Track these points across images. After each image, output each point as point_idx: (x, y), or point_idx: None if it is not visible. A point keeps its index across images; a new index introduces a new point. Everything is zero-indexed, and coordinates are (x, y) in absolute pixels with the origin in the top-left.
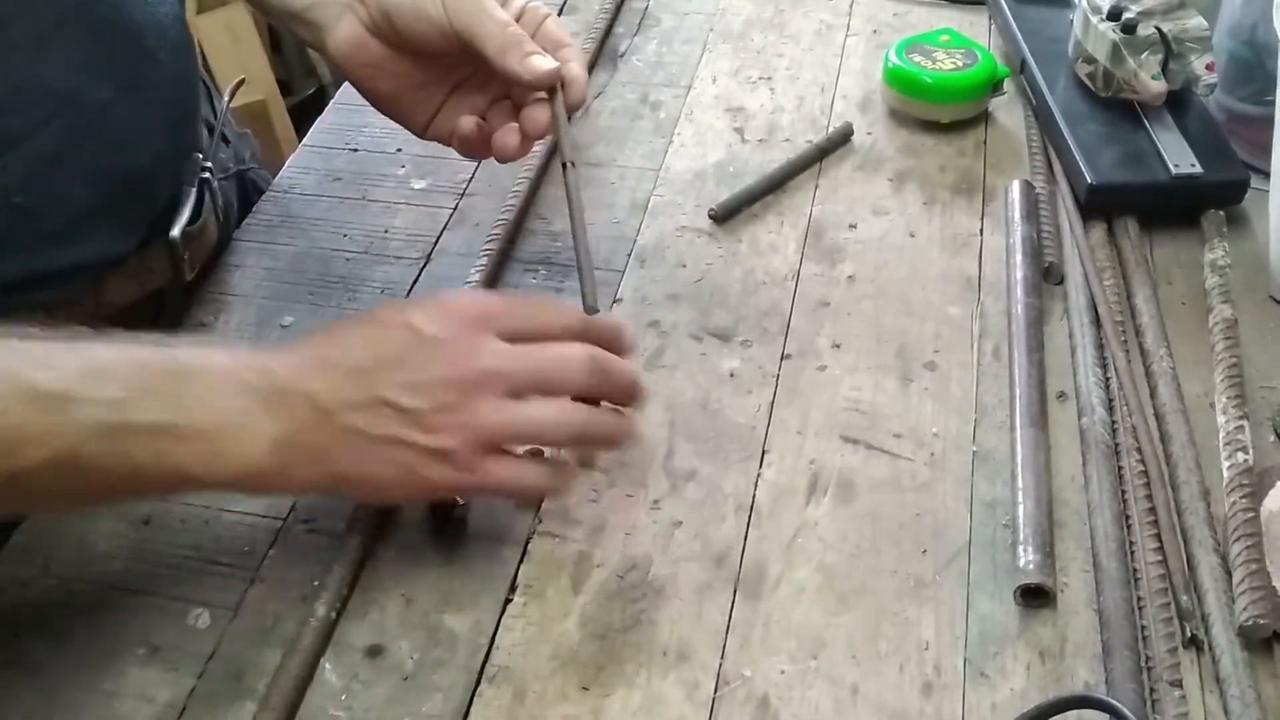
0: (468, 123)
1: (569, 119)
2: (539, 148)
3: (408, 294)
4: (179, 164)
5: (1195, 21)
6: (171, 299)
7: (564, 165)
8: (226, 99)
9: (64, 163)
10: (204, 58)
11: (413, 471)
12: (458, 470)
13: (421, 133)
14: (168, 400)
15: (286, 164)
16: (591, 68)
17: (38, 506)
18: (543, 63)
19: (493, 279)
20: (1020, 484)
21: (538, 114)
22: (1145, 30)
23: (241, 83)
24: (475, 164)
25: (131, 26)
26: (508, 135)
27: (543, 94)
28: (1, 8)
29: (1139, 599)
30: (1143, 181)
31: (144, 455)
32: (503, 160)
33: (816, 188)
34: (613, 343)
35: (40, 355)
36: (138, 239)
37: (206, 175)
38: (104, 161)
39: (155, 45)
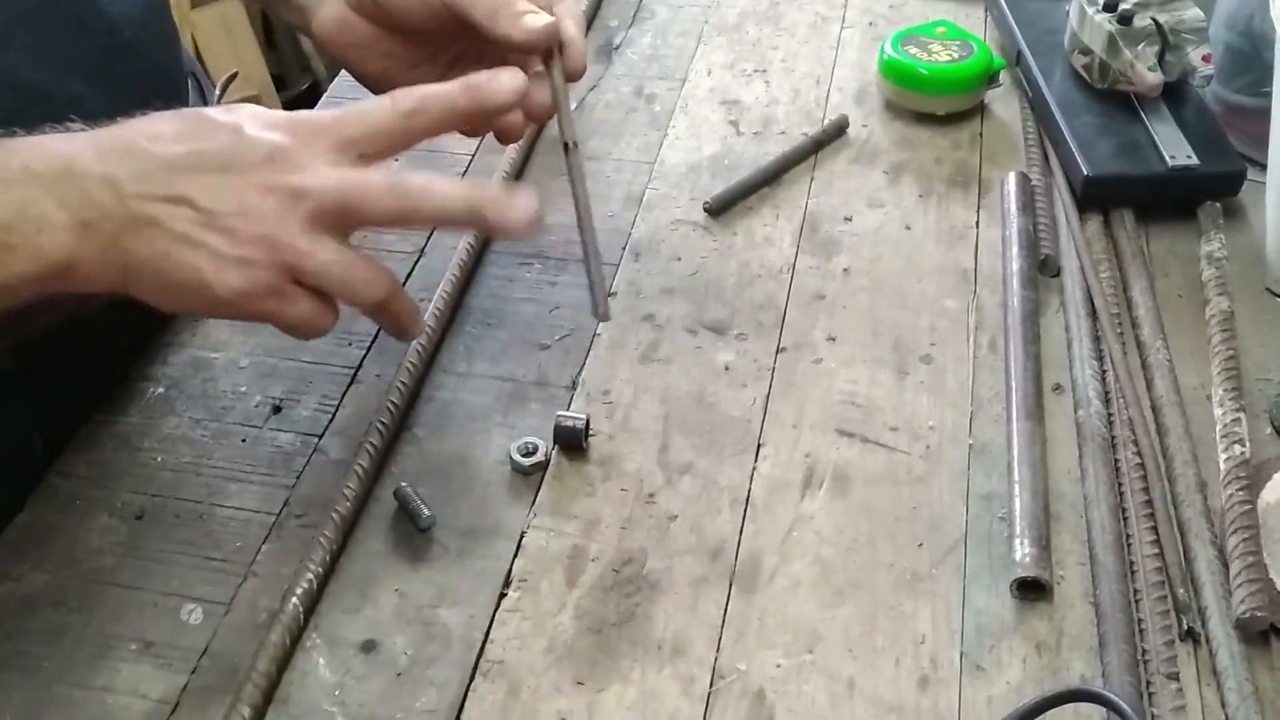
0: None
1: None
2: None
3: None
4: None
5: (1191, 13)
6: None
7: (565, 146)
8: (218, 92)
9: None
10: (197, 51)
11: (204, 280)
12: (250, 286)
13: None
14: None
15: None
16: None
17: None
18: (536, 20)
19: (471, 272)
20: (1016, 477)
21: (537, 92)
22: (1141, 21)
23: (234, 76)
24: (469, 158)
25: (103, 19)
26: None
27: (540, 68)
28: None
29: (1135, 592)
30: (1139, 173)
31: None
32: (504, 141)
33: (812, 180)
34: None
35: None
36: None
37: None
38: None
39: (133, 38)
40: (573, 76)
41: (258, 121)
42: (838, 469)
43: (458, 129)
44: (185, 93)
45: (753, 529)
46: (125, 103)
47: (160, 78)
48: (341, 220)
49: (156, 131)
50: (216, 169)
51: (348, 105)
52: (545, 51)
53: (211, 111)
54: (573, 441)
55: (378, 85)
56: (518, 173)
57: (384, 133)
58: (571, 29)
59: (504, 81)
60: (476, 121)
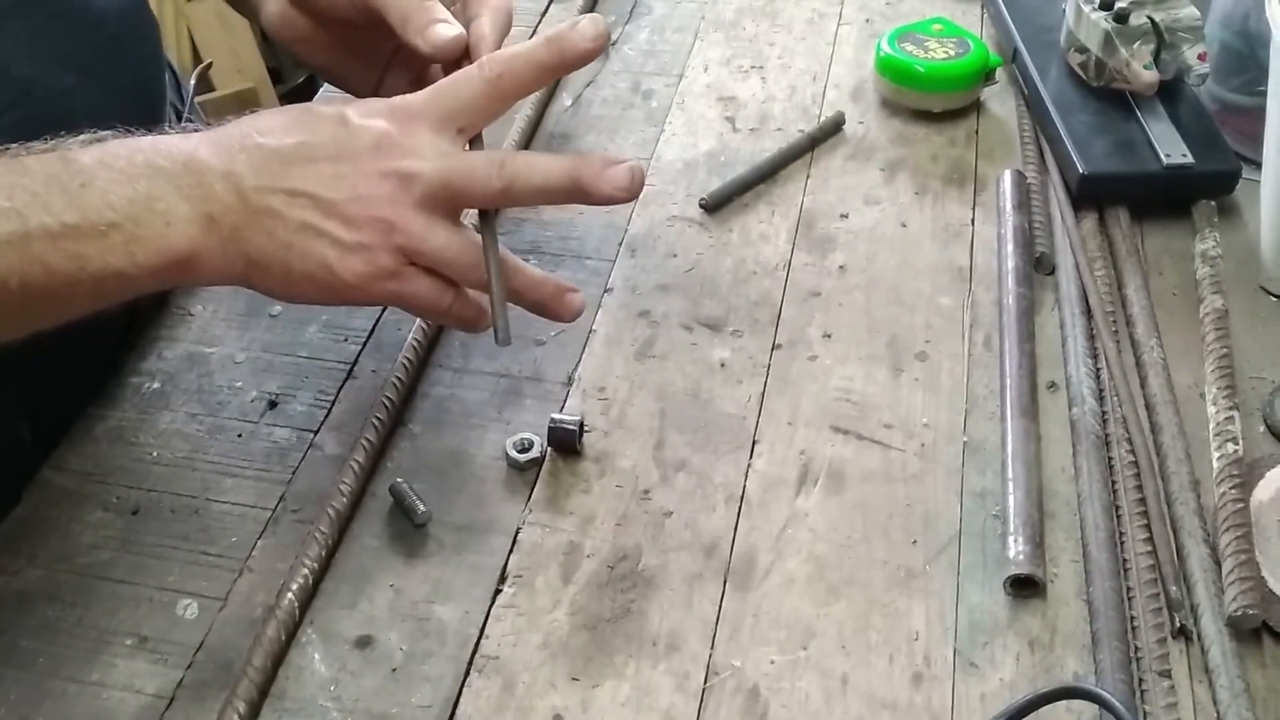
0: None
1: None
2: (520, 134)
3: None
4: None
5: (1187, 11)
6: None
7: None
8: (193, 81)
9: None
10: (193, 45)
11: (327, 267)
12: (373, 270)
13: None
14: (68, 200)
15: None
16: None
17: None
18: (444, 31)
19: None
20: (1010, 474)
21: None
22: (1137, 20)
23: (208, 66)
24: None
25: (92, 12)
26: None
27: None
28: None
29: (1128, 589)
30: (1134, 171)
31: (59, 260)
32: None
33: (808, 177)
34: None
35: None
36: None
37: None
38: None
39: (119, 30)
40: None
41: (360, 110)
42: (832, 466)
43: (546, 84)
44: (164, 85)
45: (747, 526)
46: (113, 95)
47: (144, 70)
48: (451, 201)
49: (267, 126)
50: (328, 159)
51: (440, 82)
52: (453, 61)
53: (316, 104)
54: (567, 443)
55: (327, 75)
56: None
57: (478, 101)
58: (484, 26)
59: (585, 29)
60: (563, 72)
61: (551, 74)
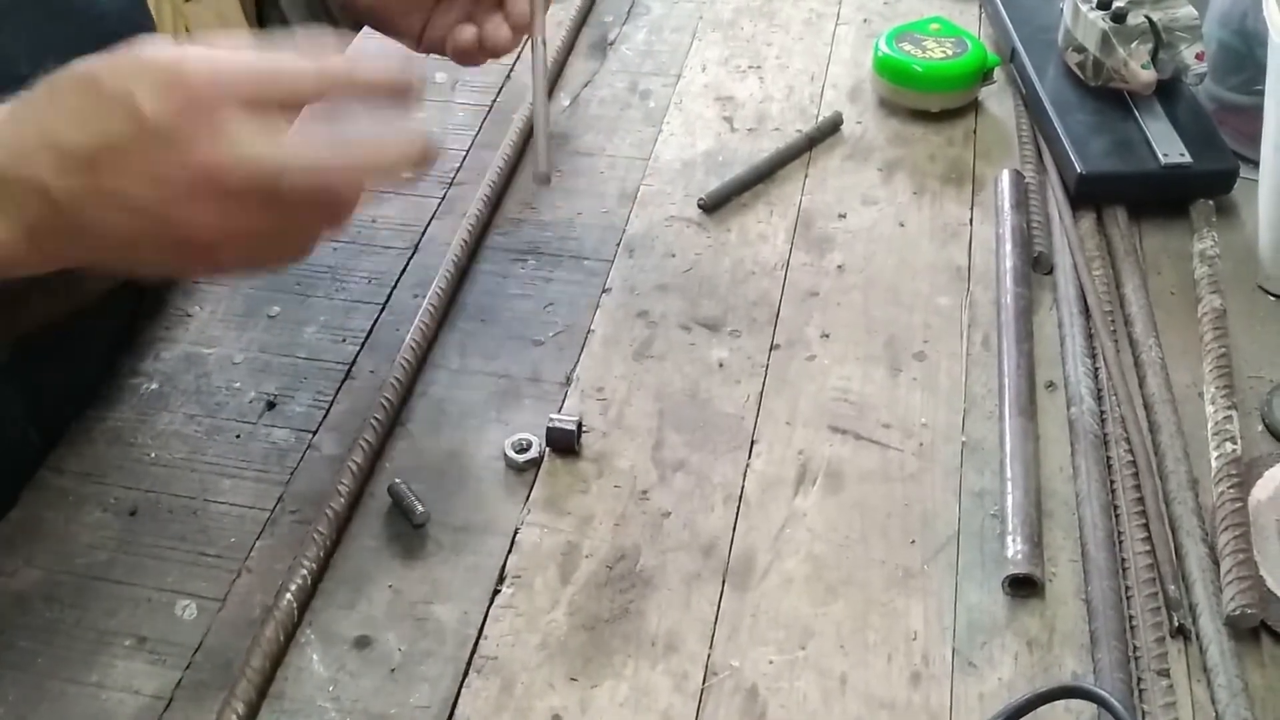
0: (466, 33)
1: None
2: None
3: (395, 284)
4: None
5: (1185, 10)
6: (150, 287)
7: (533, 42)
8: None
9: None
10: None
11: (165, 268)
12: (202, 266)
13: (417, 45)
14: None
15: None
16: (569, 52)
17: None
18: None
19: (465, 268)
20: (1009, 474)
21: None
22: (1135, 19)
23: None
24: (463, 154)
25: (93, 10)
26: (498, 29)
27: None
28: None
29: (1127, 589)
30: (1132, 171)
31: None
32: (495, 55)
33: (806, 177)
34: (381, 90)
35: None
36: None
37: None
38: None
39: (118, 29)
40: None
41: (152, 89)
42: (831, 466)
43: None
44: None
45: (746, 525)
46: None
47: None
48: (263, 190)
49: (55, 121)
50: (134, 160)
51: (263, 58)
52: None
53: (103, 79)
54: (565, 444)
55: (372, 17)
56: (512, 167)
57: (301, 95)
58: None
59: (406, 148)
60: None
61: (367, 99)
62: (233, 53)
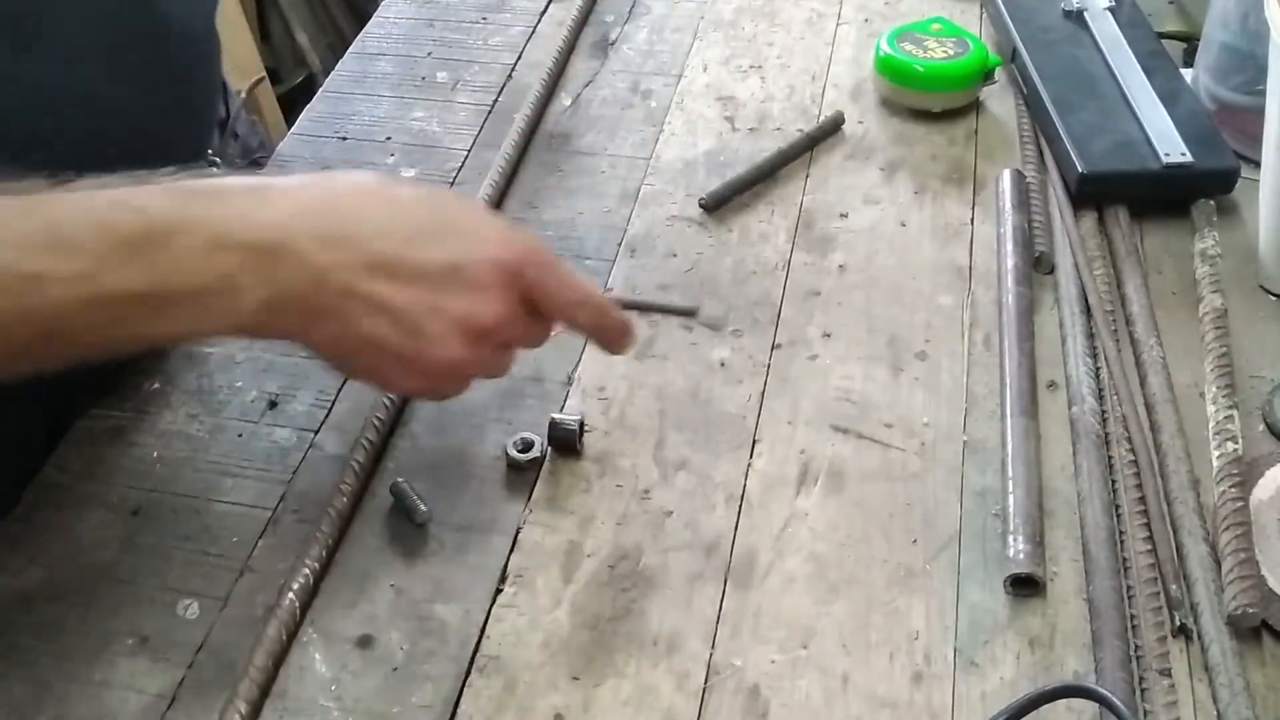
0: None
1: None
2: (519, 133)
3: None
4: (191, 163)
5: None
6: None
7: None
8: (242, 95)
9: (86, 164)
10: None
11: (382, 378)
12: (425, 388)
13: None
14: (144, 267)
15: (275, 152)
16: (570, 52)
17: (47, 363)
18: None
19: None
20: (1010, 473)
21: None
22: None
23: (260, 80)
24: (465, 153)
25: (171, 37)
26: None
27: None
28: (38, 11)
29: (1128, 588)
30: (1134, 170)
31: (132, 321)
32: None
33: (807, 177)
34: (611, 334)
35: (3, 234)
36: None
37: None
38: (122, 164)
39: (194, 54)
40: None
41: (483, 246)
42: (832, 465)
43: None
44: (218, 103)
45: (748, 525)
46: (171, 116)
47: (204, 91)
48: (503, 359)
49: (378, 219)
50: (429, 288)
51: (563, 274)
52: None
53: (436, 212)
54: (567, 444)
55: None
56: (513, 169)
57: (566, 319)
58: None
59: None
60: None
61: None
62: (523, 249)
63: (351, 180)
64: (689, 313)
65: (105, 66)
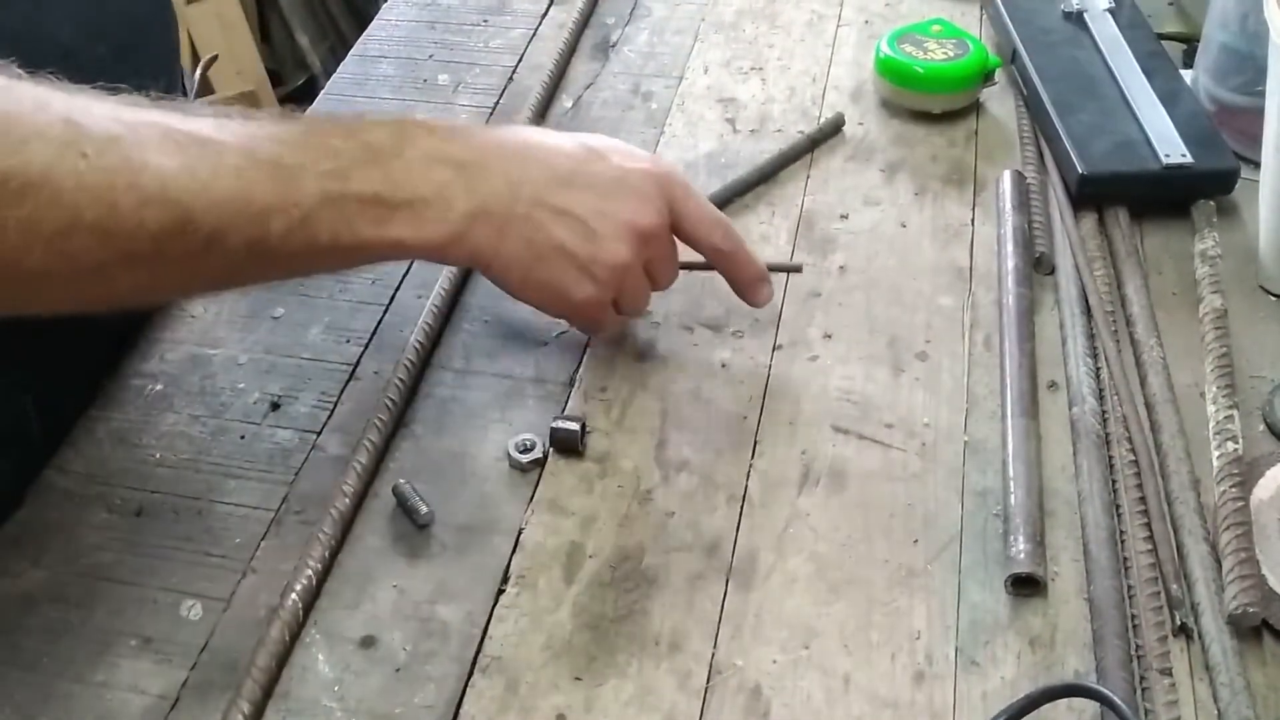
0: None
1: None
2: None
3: (398, 285)
4: None
5: None
6: None
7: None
8: (196, 75)
9: None
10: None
11: (564, 284)
12: (595, 300)
13: None
14: (381, 172)
15: None
16: (571, 54)
17: (271, 275)
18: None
19: (468, 269)
20: (1011, 473)
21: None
22: None
23: (214, 59)
24: None
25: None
26: None
27: None
28: None
29: (1129, 588)
30: (1134, 171)
31: (363, 223)
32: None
33: (808, 178)
34: (744, 269)
35: (265, 131)
36: None
37: None
38: None
39: (149, 15)
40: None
41: (639, 163)
42: (834, 466)
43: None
44: (179, 78)
45: (749, 525)
46: (142, 76)
47: (166, 58)
48: (655, 280)
49: (553, 146)
50: (600, 195)
51: (708, 207)
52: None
53: (595, 143)
54: (569, 445)
55: None
56: None
57: (709, 240)
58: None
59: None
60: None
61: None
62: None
63: (524, 127)
64: (796, 269)
65: (74, 17)
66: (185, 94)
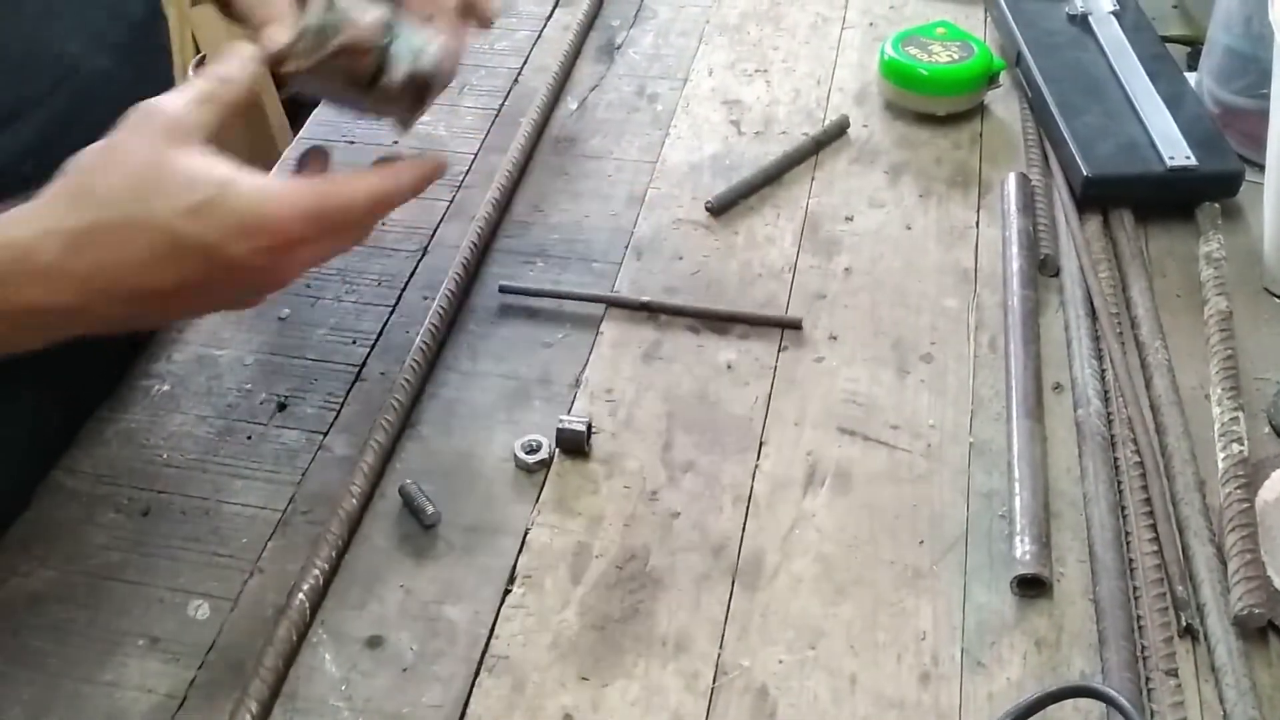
0: None
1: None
2: (526, 137)
3: (404, 286)
4: None
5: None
6: None
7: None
8: (190, 73)
9: (71, 131)
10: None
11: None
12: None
13: None
14: None
15: (282, 157)
16: (576, 56)
17: None
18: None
19: (475, 271)
20: (1016, 475)
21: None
22: None
23: (204, 59)
24: (472, 156)
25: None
26: None
27: None
28: None
29: (1135, 589)
30: (1138, 174)
31: None
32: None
33: (813, 180)
34: (422, 188)
35: None
36: None
37: None
38: (105, 133)
39: (146, 18)
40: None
41: (238, 239)
42: (839, 467)
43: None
44: (174, 79)
45: (755, 526)
46: (144, 83)
47: (163, 61)
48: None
49: (126, 269)
50: (201, 288)
51: (317, 188)
52: None
53: (182, 230)
54: (575, 446)
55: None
56: (520, 173)
57: (364, 223)
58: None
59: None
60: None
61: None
62: (294, 190)
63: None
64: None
65: (77, 30)
66: None
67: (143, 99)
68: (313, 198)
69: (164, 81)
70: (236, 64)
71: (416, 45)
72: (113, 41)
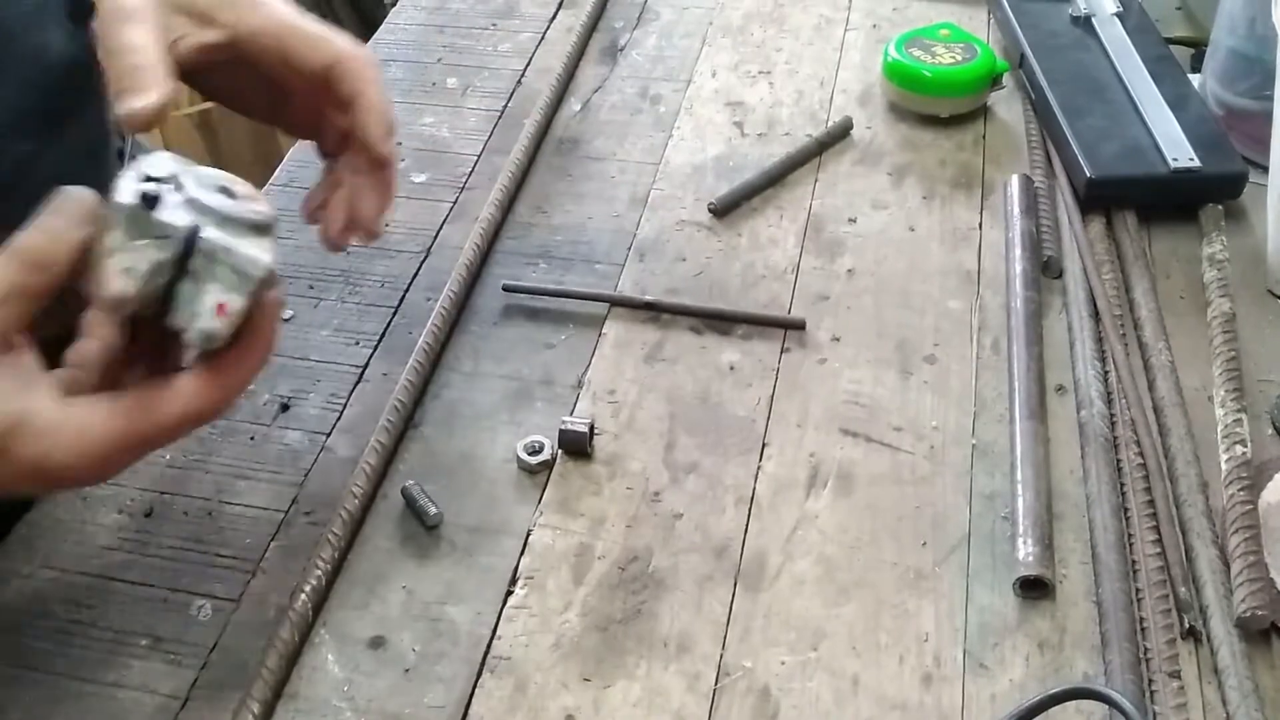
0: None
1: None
2: (529, 138)
3: (407, 287)
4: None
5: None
6: None
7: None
8: (129, 150)
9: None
10: None
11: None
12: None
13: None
14: None
15: (285, 158)
16: (579, 58)
17: None
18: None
19: (477, 272)
20: (1019, 476)
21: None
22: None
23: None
24: (475, 159)
25: (51, 73)
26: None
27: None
28: None
29: (1137, 591)
30: (1141, 175)
31: None
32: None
33: (816, 182)
34: None
35: None
36: None
37: None
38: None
39: (71, 83)
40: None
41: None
42: (842, 468)
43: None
44: (110, 132)
45: (757, 527)
46: (70, 156)
47: (95, 123)
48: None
49: None
50: None
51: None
52: None
53: None
54: (578, 447)
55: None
56: (523, 174)
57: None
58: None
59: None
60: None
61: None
62: (91, 421)
63: None
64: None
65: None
66: (123, 138)
67: (72, 175)
68: (110, 432)
69: (100, 148)
70: (58, 241)
71: (208, 302)
72: (35, 119)
